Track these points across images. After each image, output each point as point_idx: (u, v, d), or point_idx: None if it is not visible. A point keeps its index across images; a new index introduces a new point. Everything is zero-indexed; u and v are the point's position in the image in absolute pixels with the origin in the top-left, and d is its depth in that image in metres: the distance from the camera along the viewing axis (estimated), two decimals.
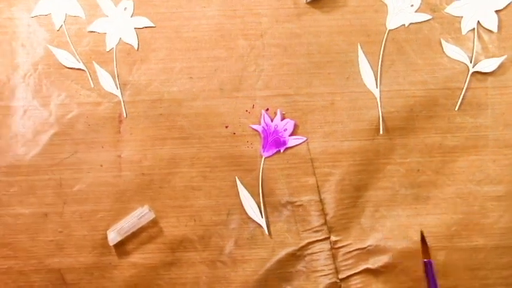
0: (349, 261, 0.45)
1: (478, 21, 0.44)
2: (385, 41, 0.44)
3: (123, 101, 0.44)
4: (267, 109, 0.44)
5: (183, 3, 0.44)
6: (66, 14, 0.44)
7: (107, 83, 0.44)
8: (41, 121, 0.44)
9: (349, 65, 0.44)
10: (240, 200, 0.44)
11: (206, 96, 0.44)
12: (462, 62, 0.44)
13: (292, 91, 0.44)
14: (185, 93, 0.44)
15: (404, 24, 0.44)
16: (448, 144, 0.44)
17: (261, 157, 0.44)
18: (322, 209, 0.45)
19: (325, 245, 0.45)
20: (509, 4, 0.44)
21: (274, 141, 0.44)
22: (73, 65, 0.44)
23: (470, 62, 0.44)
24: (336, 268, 0.45)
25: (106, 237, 0.44)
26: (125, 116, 0.44)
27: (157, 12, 0.44)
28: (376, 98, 0.44)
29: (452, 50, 0.44)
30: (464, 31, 0.44)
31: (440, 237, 0.44)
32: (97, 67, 0.44)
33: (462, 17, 0.44)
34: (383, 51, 0.44)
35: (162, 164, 0.44)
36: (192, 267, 0.44)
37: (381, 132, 0.44)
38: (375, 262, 0.45)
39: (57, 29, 0.44)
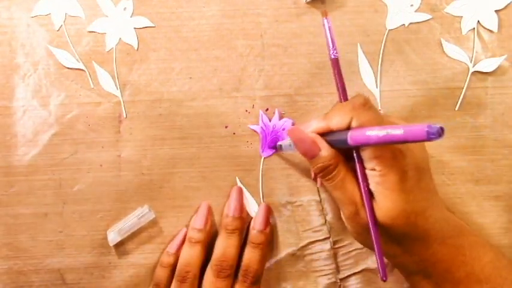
0: (349, 261, 0.45)
1: (478, 21, 0.44)
2: (385, 41, 0.44)
3: (123, 101, 0.44)
4: (267, 109, 0.44)
5: (183, 3, 0.44)
6: (66, 14, 0.44)
7: (107, 83, 0.44)
8: (40, 121, 0.44)
9: (349, 65, 0.44)
10: None
11: (206, 96, 0.44)
12: (462, 62, 0.44)
13: (292, 91, 0.44)
14: (185, 93, 0.44)
15: (404, 24, 0.44)
16: (447, 144, 0.44)
17: (261, 157, 0.44)
18: (322, 209, 0.45)
19: (325, 245, 0.45)
20: (509, 4, 0.44)
21: (273, 141, 0.44)
22: (73, 65, 0.44)
23: (470, 62, 0.44)
24: (335, 268, 0.45)
25: (106, 237, 0.44)
26: (124, 116, 0.44)
27: (157, 12, 0.44)
28: (376, 98, 0.44)
29: (452, 50, 0.44)
30: (464, 31, 0.44)
31: None
32: (97, 67, 0.44)
33: (462, 16, 0.44)
34: (383, 51, 0.44)
35: (161, 164, 0.44)
36: None
37: None
38: (374, 262, 0.45)
39: (57, 29, 0.44)
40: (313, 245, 0.45)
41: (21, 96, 0.44)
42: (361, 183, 0.35)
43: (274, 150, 0.44)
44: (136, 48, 0.44)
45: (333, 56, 0.37)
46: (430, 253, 0.37)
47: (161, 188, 0.44)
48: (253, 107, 0.44)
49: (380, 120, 0.34)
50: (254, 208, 0.44)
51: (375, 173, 0.34)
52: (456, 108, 0.44)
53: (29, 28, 0.43)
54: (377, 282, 0.45)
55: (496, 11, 0.44)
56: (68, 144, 0.44)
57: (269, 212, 0.44)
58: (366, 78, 0.44)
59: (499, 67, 0.44)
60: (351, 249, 0.45)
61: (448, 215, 0.38)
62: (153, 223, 0.44)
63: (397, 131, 0.30)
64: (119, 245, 0.44)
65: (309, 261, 0.45)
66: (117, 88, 0.44)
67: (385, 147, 0.34)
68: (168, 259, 0.43)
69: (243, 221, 0.44)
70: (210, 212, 0.44)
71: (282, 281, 0.45)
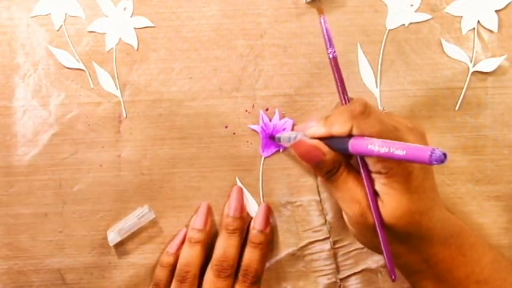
0: (349, 261, 0.45)
1: (478, 21, 0.44)
2: (385, 41, 0.44)
3: (123, 101, 0.44)
4: (267, 109, 0.44)
5: (183, 3, 0.44)
6: (66, 14, 0.43)
7: (107, 83, 0.44)
8: (40, 121, 0.44)
9: (349, 65, 0.44)
10: None
11: (206, 96, 0.44)
12: (462, 62, 0.44)
13: (292, 91, 0.44)
14: (185, 93, 0.44)
15: (404, 24, 0.44)
16: (447, 144, 0.44)
17: (261, 157, 0.44)
18: (322, 209, 0.45)
19: (325, 245, 0.45)
20: (509, 4, 0.44)
21: (273, 141, 0.44)
22: (73, 65, 0.44)
23: (471, 62, 0.44)
24: (335, 268, 0.45)
25: (106, 237, 0.44)
26: (124, 116, 0.44)
27: (157, 12, 0.44)
28: (376, 98, 0.44)
29: (452, 50, 0.44)
30: (464, 31, 0.44)
31: None
32: (97, 67, 0.44)
33: (462, 16, 0.44)
34: (383, 51, 0.44)
35: (161, 164, 0.44)
36: None
37: None
38: (374, 262, 0.45)
39: (57, 29, 0.44)
40: (313, 245, 0.45)
41: (21, 96, 0.44)
42: (366, 185, 0.36)
43: (274, 150, 0.44)
44: (136, 48, 0.44)
45: (331, 56, 0.37)
46: (432, 253, 0.37)
47: (161, 188, 0.44)
48: (253, 107, 0.44)
49: (381, 129, 0.34)
50: (254, 208, 0.44)
51: (381, 175, 0.35)
52: (456, 108, 0.44)
53: (29, 28, 0.43)
54: (377, 282, 0.45)
55: (496, 11, 0.44)
56: (68, 144, 0.44)
57: (269, 212, 0.44)
58: (366, 78, 0.44)
59: (499, 67, 0.44)
60: (351, 249, 0.45)
61: (448, 215, 0.38)
62: (153, 223, 0.44)
63: (399, 152, 0.30)
64: (119, 245, 0.44)
65: (309, 261, 0.45)
66: (117, 88, 0.44)
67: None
68: (167, 259, 0.43)
69: (243, 221, 0.44)
70: (210, 212, 0.44)
71: (282, 281, 0.45)
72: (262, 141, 0.44)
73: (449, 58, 0.44)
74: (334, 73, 0.37)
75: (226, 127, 0.44)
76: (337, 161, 0.37)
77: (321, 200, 0.44)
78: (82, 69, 0.44)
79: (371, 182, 0.36)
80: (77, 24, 0.44)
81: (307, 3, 0.44)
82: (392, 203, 0.35)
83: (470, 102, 0.44)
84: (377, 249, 0.38)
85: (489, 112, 0.44)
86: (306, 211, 0.45)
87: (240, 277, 0.42)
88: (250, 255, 0.42)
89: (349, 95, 0.44)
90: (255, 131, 0.44)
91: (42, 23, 0.44)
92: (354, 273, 0.45)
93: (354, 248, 0.45)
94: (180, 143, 0.44)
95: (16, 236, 0.44)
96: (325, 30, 0.37)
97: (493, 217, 0.45)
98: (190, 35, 0.44)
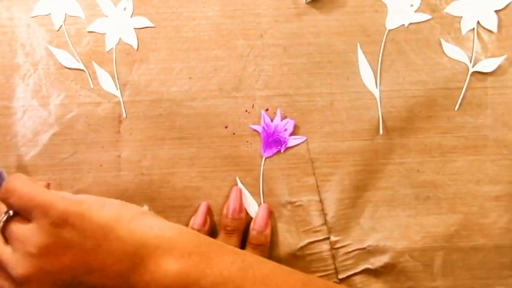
0: (349, 262, 0.45)
1: (478, 21, 0.44)
2: (385, 41, 0.44)
3: (123, 101, 0.44)
4: (267, 109, 0.44)
5: (183, 3, 0.44)
6: (66, 14, 0.44)
7: (107, 83, 0.44)
8: (40, 121, 0.44)
9: (349, 65, 0.44)
10: None
11: (206, 96, 0.44)
12: (462, 62, 0.44)
13: (292, 91, 0.44)
14: (185, 93, 0.44)
15: (404, 24, 0.44)
16: (447, 144, 0.44)
17: (261, 157, 0.44)
18: (322, 209, 0.45)
19: (325, 245, 0.45)
20: (509, 4, 0.44)
21: (274, 141, 0.44)
22: (73, 65, 0.44)
23: (470, 62, 0.44)
24: (335, 268, 0.45)
25: None
26: (124, 116, 0.44)
27: (157, 12, 0.44)
28: (375, 98, 0.44)
29: (452, 50, 0.44)
30: (464, 31, 0.44)
31: (440, 237, 0.44)
32: (97, 67, 0.44)
33: (462, 17, 0.44)
34: (383, 51, 0.44)
35: (161, 164, 0.44)
36: None
37: (381, 132, 0.44)
38: (374, 262, 0.45)
39: (57, 29, 0.44)
40: (313, 245, 0.45)
41: (21, 96, 0.44)
42: None
43: (276, 151, 0.44)
44: (136, 48, 0.44)
45: None
46: None
47: (161, 188, 0.44)
48: (253, 107, 0.44)
49: None
50: (254, 208, 0.44)
51: None
52: (456, 109, 0.44)
53: (29, 28, 0.44)
54: (377, 283, 0.45)
55: (495, 11, 0.44)
56: (68, 144, 0.44)
57: (269, 213, 0.44)
58: (366, 78, 0.44)
59: (498, 67, 0.44)
60: (350, 249, 0.45)
61: None
62: None
63: None
64: None
65: (308, 261, 0.45)
66: (117, 88, 0.44)
67: None
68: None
69: (242, 221, 0.44)
70: (209, 212, 0.44)
71: None
72: (264, 141, 0.44)
73: (449, 58, 0.44)
74: None
75: (226, 127, 0.44)
76: None
77: (320, 200, 0.44)
78: (82, 69, 0.44)
79: None
80: (77, 24, 0.44)
81: (307, 3, 0.44)
82: None
83: (470, 103, 0.44)
84: None
85: (489, 112, 0.44)
86: (306, 211, 0.45)
87: None
88: None
89: (349, 95, 0.44)
90: (256, 131, 0.44)
91: (42, 23, 0.44)
92: (354, 274, 0.45)
93: (354, 248, 0.45)
94: (180, 143, 0.44)
95: None
96: None
97: (494, 217, 0.45)
98: (190, 35, 0.44)
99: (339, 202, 0.44)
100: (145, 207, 0.44)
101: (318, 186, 0.44)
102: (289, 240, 0.45)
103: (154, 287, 0.34)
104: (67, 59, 0.44)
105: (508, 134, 0.44)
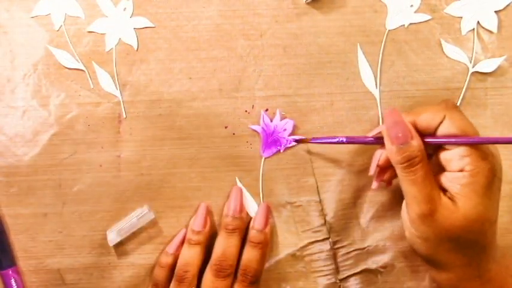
0: (349, 262, 0.45)
1: (478, 22, 0.44)
2: (385, 41, 0.44)
3: (123, 101, 0.44)
4: (267, 109, 0.44)
5: (183, 3, 0.44)
6: (65, 14, 0.44)
7: (107, 83, 0.44)
8: (40, 121, 0.44)
9: (349, 65, 0.44)
10: None
11: (205, 96, 0.44)
12: (462, 62, 0.44)
13: (292, 91, 0.44)
14: (184, 94, 0.44)
15: (404, 25, 0.44)
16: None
17: (261, 157, 0.44)
18: (322, 210, 0.45)
19: (325, 246, 0.45)
20: (509, 4, 0.44)
21: (274, 142, 0.44)
22: (72, 65, 0.44)
23: (470, 62, 0.44)
24: (335, 268, 0.45)
25: (105, 238, 0.44)
26: (124, 116, 0.44)
27: (156, 13, 0.44)
28: (375, 99, 0.44)
29: (452, 50, 0.44)
30: (464, 31, 0.44)
31: None
32: (96, 67, 0.44)
33: (462, 17, 0.44)
34: (382, 52, 0.44)
35: (161, 164, 0.44)
36: None
37: None
38: (374, 262, 0.45)
39: (57, 29, 0.44)
40: (312, 246, 0.45)
41: (21, 96, 0.44)
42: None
43: (275, 151, 0.44)
44: (136, 49, 0.44)
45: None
46: (487, 269, 0.36)
47: (161, 188, 0.44)
48: (253, 107, 0.44)
49: (470, 124, 0.36)
50: (254, 208, 0.44)
51: (463, 174, 0.35)
52: None
53: (29, 28, 0.44)
54: (377, 283, 0.45)
55: (495, 11, 0.44)
56: (68, 144, 0.44)
57: (269, 212, 0.44)
58: (366, 78, 0.44)
59: (498, 68, 0.44)
60: (350, 249, 0.45)
61: None
62: (153, 223, 0.44)
63: None
64: (119, 246, 0.44)
65: (308, 261, 0.45)
66: (116, 88, 0.44)
67: (476, 147, 0.35)
68: (166, 259, 0.43)
69: (243, 220, 0.44)
70: (209, 213, 0.44)
71: (282, 282, 0.45)
72: (263, 141, 0.44)
73: (448, 59, 0.44)
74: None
75: (226, 127, 0.44)
76: (422, 150, 0.36)
77: (320, 200, 0.44)
78: (82, 70, 0.44)
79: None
80: (76, 24, 0.44)
81: (307, 3, 0.44)
82: (468, 205, 0.34)
83: (470, 103, 0.44)
84: (431, 256, 0.37)
85: (489, 113, 0.44)
86: (306, 211, 0.45)
87: (239, 277, 0.42)
88: (250, 254, 0.42)
89: (349, 95, 0.44)
90: (255, 131, 0.44)
91: (42, 23, 0.44)
92: (354, 274, 0.45)
93: (353, 249, 0.45)
94: (180, 143, 0.44)
95: (16, 236, 0.44)
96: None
97: None
98: (190, 35, 0.44)
99: (338, 202, 0.44)
100: (145, 208, 0.44)
101: (317, 187, 0.44)
102: (289, 240, 0.45)
103: None
104: (67, 59, 0.44)
105: (508, 134, 0.44)
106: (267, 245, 0.43)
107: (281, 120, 0.44)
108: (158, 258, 0.44)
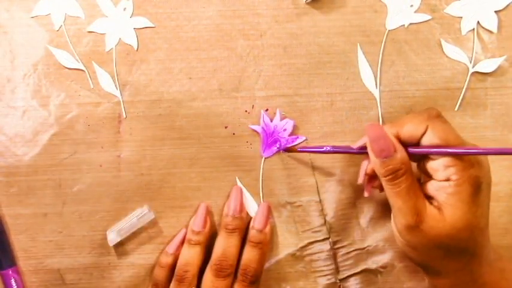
0: (349, 262, 0.45)
1: (478, 22, 0.44)
2: (385, 41, 0.44)
3: (123, 101, 0.44)
4: (267, 109, 0.44)
5: (183, 3, 0.44)
6: (65, 14, 0.44)
7: (107, 83, 0.44)
8: (40, 121, 0.44)
9: (349, 65, 0.44)
10: None
11: (205, 96, 0.44)
12: (462, 62, 0.44)
13: (292, 91, 0.44)
14: (184, 94, 0.44)
15: (404, 25, 0.44)
16: None
17: (261, 157, 0.44)
18: (322, 210, 0.45)
19: (325, 246, 0.45)
20: (509, 4, 0.44)
21: (274, 142, 0.44)
22: (72, 65, 0.44)
23: (470, 62, 0.44)
24: (335, 268, 0.45)
25: (105, 238, 0.44)
26: (124, 116, 0.44)
27: (156, 13, 0.44)
28: (375, 99, 0.44)
29: (452, 50, 0.44)
30: (464, 31, 0.44)
31: None
32: (96, 67, 0.44)
33: (462, 17, 0.44)
34: (382, 52, 0.44)
35: (161, 164, 0.44)
36: None
37: None
38: (374, 262, 0.45)
39: (57, 29, 0.44)
40: (312, 246, 0.45)
41: (21, 96, 0.44)
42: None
43: (275, 151, 0.44)
44: (136, 49, 0.44)
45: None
46: (480, 273, 0.36)
47: (161, 188, 0.44)
48: (252, 107, 0.44)
49: (455, 135, 0.35)
50: (254, 208, 0.44)
51: (449, 184, 0.35)
52: (456, 109, 0.44)
53: (29, 28, 0.44)
54: (377, 283, 0.45)
55: (495, 11, 0.44)
56: (68, 144, 0.44)
57: (269, 212, 0.44)
58: (366, 78, 0.44)
59: (498, 68, 0.44)
60: (350, 249, 0.45)
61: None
62: (153, 223, 0.44)
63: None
64: (119, 246, 0.44)
65: (308, 261, 0.45)
66: (116, 88, 0.44)
67: (462, 157, 0.34)
68: (166, 259, 0.43)
69: (243, 220, 0.44)
70: (209, 213, 0.44)
71: (282, 282, 0.45)
72: (263, 141, 0.44)
73: (448, 59, 0.44)
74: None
75: (226, 127, 0.44)
76: (406, 163, 0.36)
77: (320, 200, 0.44)
78: (82, 70, 0.44)
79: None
80: (76, 24, 0.44)
81: (307, 3, 0.44)
82: (456, 215, 0.34)
83: (470, 103, 0.44)
84: (423, 262, 0.37)
85: (489, 113, 0.44)
86: (306, 211, 0.45)
87: (239, 276, 0.42)
88: (250, 254, 0.42)
89: (349, 95, 0.44)
90: (255, 131, 0.44)
91: (42, 23, 0.44)
92: (354, 274, 0.45)
93: (353, 249, 0.45)
94: (180, 143, 0.44)
95: (16, 236, 0.44)
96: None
97: (493, 218, 0.44)
98: (190, 35, 0.44)
99: (338, 202, 0.44)
100: (145, 208, 0.44)
101: (317, 187, 0.44)
102: (289, 240, 0.45)
103: None
104: (67, 59, 0.44)
105: (508, 134, 0.44)
106: (267, 245, 0.43)
107: (281, 120, 0.44)
108: (158, 258, 0.44)
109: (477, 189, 0.34)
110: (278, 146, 0.44)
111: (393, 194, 0.36)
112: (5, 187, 0.44)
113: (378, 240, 0.45)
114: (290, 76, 0.44)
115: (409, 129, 0.36)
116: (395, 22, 0.44)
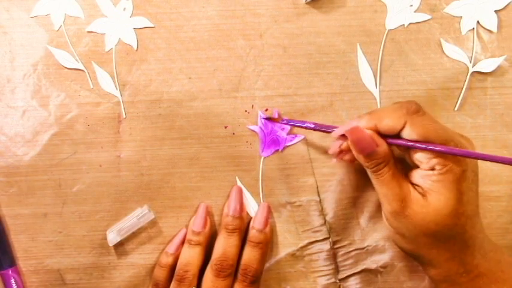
0: (349, 262, 0.45)
1: (478, 21, 0.44)
2: (385, 41, 0.44)
3: (123, 102, 0.44)
4: (266, 109, 0.44)
5: (183, 3, 0.44)
6: (65, 14, 0.44)
7: (106, 83, 0.44)
8: (40, 121, 0.44)
9: (349, 65, 0.44)
10: None
11: (205, 96, 0.44)
12: (462, 62, 0.44)
13: (292, 91, 0.44)
14: (184, 94, 0.44)
15: (403, 25, 0.44)
16: None
17: (261, 157, 0.44)
18: (322, 209, 0.45)
19: (325, 245, 0.45)
20: (509, 4, 0.44)
21: (272, 141, 0.44)
22: (72, 65, 0.44)
23: (470, 62, 0.44)
24: (335, 268, 0.45)
25: (105, 238, 0.44)
26: (124, 116, 0.44)
27: (156, 13, 0.44)
28: (375, 98, 0.44)
29: (451, 50, 0.44)
30: (463, 31, 0.44)
31: None
32: (96, 67, 0.44)
33: (462, 17, 0.44)
34: (382, 52, 0.44)
35: (161, 164, 0.44)
36: None
37: None
38: (374, 262, 0.45)
39: (57, 29, 0.44)
40: (312, 245, 0.45)
41: (21, 96, 0.44)
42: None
43: (274, 150, 0.44)
44: (135, 49, 0.44)
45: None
46: (474, 264, 0.37)
47: (161, 188, 0.44)
48: (252, 107, 0.44)
49: (434, 128, 0.35)
50: (254, 208, 0.44)
51: (433, 172, 0.35)
52: (455, 109, 0.44)
53: (29, 28, 0.44)
54: (376, 283, 0.45)
55: (495, 11, 0.44)
56: (68, 144, 0.44)
57: (269, 212, 0.44)
58: (366, 78, 0.44)
59: (498, 67, 0.44)
60: (350, 249, 0.45)
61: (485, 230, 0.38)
62: (153, 223, 0.44)
63: None
64: (119, 246, 0.44)
65: (308, 261, 0.45)
66: (116, 88, 0.44)
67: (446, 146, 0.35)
68: (166, 259, 0.43)
69: (243, 220, 0.44)
70: (209, 213, 0.44)
71: (282, 281, 0.45)
72: (261, 141, 0.44)
73: (448, 58, 0.44)
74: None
75: (226, 127, 0.44)
76: (388, 154, 0.37)
77: (320, 200, 0.44)
78: (81, 70, 0.44)
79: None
80: (76, 24, 0.44)
81: (307, 3, 0.44)
82: (440, 201, 0.35)
83: (470, 103, 0.44)
84: (413, 251, 0.38)
85: (488, 112, 0.44)
86: (306, 211, 0.45)
87: (239, 276, 0.42)
88: (250, 254, 0.42)
89: (349, 95, 0.44)
90: (254, 131, 0.44)
91: (41, 23, 0.44)
92: (354, 274, 0.45)
93: (353, 249, 0.45)
94: (180, 143, 0.44)
95: (16, 236, 0.44)
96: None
97: (493, 218, 0.45)
98: (190, 35, 0.44)
99: (338, 202, 0.44)
100: (145, 208, 0.44)
101: (317, 187, 0.44)
102: (289, 240, 0.45)
103: None
104: (66, 59, 0.44)
105: (508, 134, 0.44)
106: (267, 245, 0.44)
107: None
108: (158, 258, 0.44)
109: (461, 176, 0.35)
110: (278, 147, 0.44)
111: (378, 182, 0.37)
112: (5, 187, 0.44)
113: (378, 240, 0.45)
114: (290, 76, 0.44)
115: (388, 123, 0.36)
116: (395, 22, 0.44)
